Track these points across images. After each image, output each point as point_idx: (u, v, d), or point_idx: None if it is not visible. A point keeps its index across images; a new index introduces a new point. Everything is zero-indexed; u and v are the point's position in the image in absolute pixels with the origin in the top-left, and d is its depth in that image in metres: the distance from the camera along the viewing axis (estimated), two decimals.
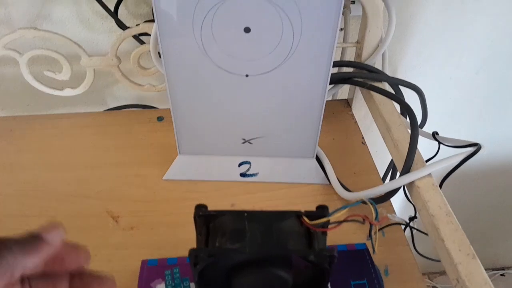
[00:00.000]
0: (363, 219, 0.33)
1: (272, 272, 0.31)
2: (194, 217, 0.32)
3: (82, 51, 0.51)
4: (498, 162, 0.93)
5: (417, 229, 0.44)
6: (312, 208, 0.32)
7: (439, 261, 0.39)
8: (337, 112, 0.61)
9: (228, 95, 0.45)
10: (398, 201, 0.59)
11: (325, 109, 0.46)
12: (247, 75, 0.43)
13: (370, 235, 0.36)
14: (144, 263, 0.40)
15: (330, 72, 0.43)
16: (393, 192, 0.43)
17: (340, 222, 0.31)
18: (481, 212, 1.05)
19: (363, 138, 0.57)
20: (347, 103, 0.62)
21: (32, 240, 0.27)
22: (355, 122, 0.59)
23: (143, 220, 0.46)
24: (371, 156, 0.54)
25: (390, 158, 0.53)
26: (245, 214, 0.31)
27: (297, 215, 0.32)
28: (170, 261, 0.40)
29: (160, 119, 0.59)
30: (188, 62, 0.42)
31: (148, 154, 0.54)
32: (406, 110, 0.47)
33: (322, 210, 0.31)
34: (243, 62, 0.42)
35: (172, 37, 0.40)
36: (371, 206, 0.32)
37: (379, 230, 0.36)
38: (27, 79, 0.54)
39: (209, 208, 0.32)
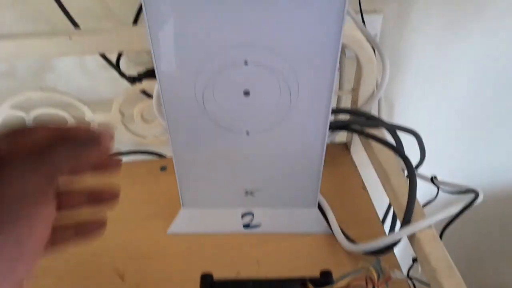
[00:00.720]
0: (366, 283, 0.33)
1: None
2: (200, 284, 0.33)
3: (86, 108, 0.53)
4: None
5: (419, 281, 0.45)
6: (317, 265, 0.33)
7: None
8: (336, 156, 0.62)
9: (230, 151, 0.46)
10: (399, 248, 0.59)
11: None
12: (247, 133, 0.44)
13: None
14: None
15: (328, 125, 0.44)
16: (394, 244, 0.44)
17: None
18: (478, 257, 1.05)
19: (363, 183, 0.58)
20: (346, 146, 0.64)
21: (91, 143, 0.26)
22: (355, 165, 0.60)
23: (149, 277, 0.46)
24: (371, 202, 0.55)
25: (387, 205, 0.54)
26: (251, 283, 0.32)
27: (302, 282, 0.32)
28: None
29: (163, 169, 0.60)
30: (190, 119, 0.44)
31: (152, 207, 0.55)
32: (404, 162, 0.48)
33: (326, 276, 0.32)
34: (244, 121, 0.43)
35: (174, 96, 0.42)
36: (373, 271, 0.33)
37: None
38: None
39: (215, 272, 0.33)
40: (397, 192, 0.47)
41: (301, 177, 0.49)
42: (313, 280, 0.32)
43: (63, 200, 0.27)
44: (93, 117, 0.54)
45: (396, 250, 0.45)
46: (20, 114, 0.53)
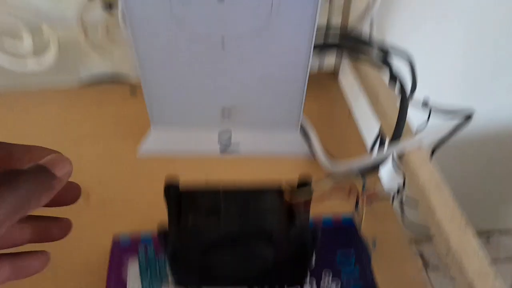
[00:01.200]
0: (349, 192, 0.30)
1: (250, 249, 0.28)
2: (165, 194, 0.29)
3: (46, 27, 0.47)
4: (489, 131, 0.92)
5: (404, 203, 0.42)
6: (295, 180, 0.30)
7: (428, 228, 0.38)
8: (324, 84, 0.58)
9: (203, 64, 0.41)
10: (385, 171, 0.56)
11: (310, 81, 0.44)
12: (223, 44, 0.39)
13: (356, 208, 0.34)
14: (116, 238, 0.37)
15: (314, 37, 0.40)
16: (381, 163, 0.41)
17: (323, 197, 0.29)
18: (468, 178, 1.05)
19: (350, 111, 0.54)
20: (333, 75, 0.59)
21: (44, 176, 0.21)
22: (342, 93, 0.57)
23: (116, 197, 0.43)
24: (358, 129, 0.51)
25: (376, 132, 0.51)
26: (220, 192, 0.29)
27: (278, 191, 0.29)
28: (144, 236, 0.37)
29: (133, 93, 0.55)
30: (160, 30, 0.39)
31: (120, 129, 0.50)
32: (396, 76, 0.44)
33: (304, 183, 0.29)
34: (219, 29, 0.39)
35: (142, 3, 0.37)
36: (357, 183, 0.29)
37: (365, 200, 0.34)
38: None
39: (183, 182, 0.30)
40: (387, 113, 0.44)
41: (283, 94, 0.45)
42: (290, 188, 0.29)
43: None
44: (52, 31, 0.48)
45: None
46: None
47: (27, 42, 0.48)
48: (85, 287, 0.35)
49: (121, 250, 0.36)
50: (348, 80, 0.59)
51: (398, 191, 0.41)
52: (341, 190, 0.31)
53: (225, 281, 0.33)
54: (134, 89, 0.55)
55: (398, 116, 0.41)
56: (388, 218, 0.42)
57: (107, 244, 0.37)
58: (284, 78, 0.43)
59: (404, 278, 0.37)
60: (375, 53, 0.51)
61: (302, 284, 0.34)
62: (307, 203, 0.28)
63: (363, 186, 0.31)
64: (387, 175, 0.50)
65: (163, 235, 0.26)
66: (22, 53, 0.50)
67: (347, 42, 0.51)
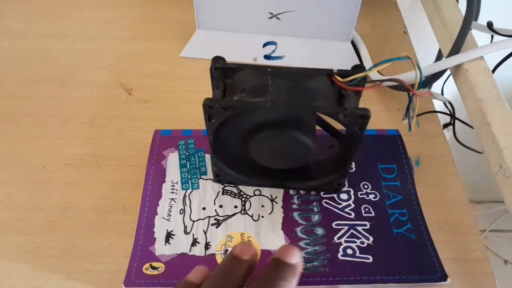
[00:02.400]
0: (403, 85, 0.28)
1: (294, 135, 0.27)
2: (211, 70, 0.28)
3: None
4: None
5: (459, 119, 0.40)
6: None
7: (479, 152, 0.36)
8: (379, 1, 0.54)
9: None
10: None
11: None
12: None
13: (407, 111, 0.32)
14: (157, 132, 0.37)
15: None
16: (438, 75, 0.38)
17: (377, 82, 0.27)
18: None
19: (405, 27, 0.50)
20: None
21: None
22: (398, 10, 0.53)
23: (158, 95, 0.43)
24: (412, 47, 0.48)
25: (433, 56, 0.47)
26: (269, 69, 0.27)
27: (328, 73, 0.27)
28: (185, 132, 0.37)
29: None
30: None
31: (165, 29, 0.49)
32: None
33: (358, 70, 0.27)
34: None
35: None
36: (415, 68, 0.27)
37: (416, 115, 0.31)
38: None
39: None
40: (448, 24, 0.40)
41: (336, 2, 0.42)
42: (342, 72, 0.27)
43: None
44: None
45: None
46: None
47: None
48: (126, 175, 0.36)
49: (162, 141, 0.37)
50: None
51: (452, 110, 0.39)
52: (395, 80, 0.28)
53: (262, 174, 0.33)
54: None
55: (462, 25, 0.37)
56: (436, 137, 0.40)
57: (149, 137, 0.37)
58: None
59: (446, 201, 0.36)
60: None
61: (339, 190, 0.33)
62: (359, 91, 0.26)
63: (421, 82, 0.28)
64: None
65: (208, 104, 0.25)
66: None
67: None
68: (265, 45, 0.46)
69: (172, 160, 0.35)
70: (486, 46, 0.37)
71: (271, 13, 0.43)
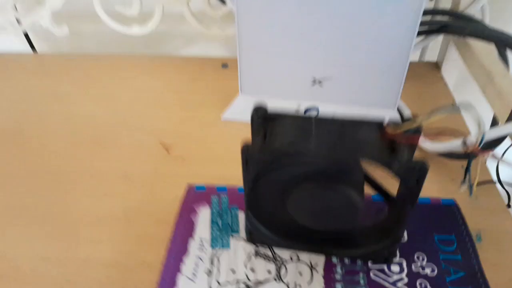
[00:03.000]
0: (464, 141, 0.25)
1: (339, 190, 0.24)
2: (252, 117, 0.27)
3: None
4: None
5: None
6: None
7: None
8: (425, 74, 0.53)
9: (302, 18, 0.39)
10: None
11: (411, 70, 0.40)
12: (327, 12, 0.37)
13: (466, 173, 0.28)
14: (191, 187, 0.35)
15: (424, 4, 0.36)
16: (499, 141, 0.35)
17: (435, 133, 0.25)
18: None
19: (454, 101, 0.49)
20: (436, 65, 0.54)
21: None
22: (445, 84, 0.51)
23: (196, 153, 0.42)
24: (462, 117, 0.45)
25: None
26: (313, 120, 0.26)
27: (378, 124, 0.25)
28: (219, 189, 0.35)
29: (224, 66, 0.55)
30: None
31: (208, 99, 0.50)
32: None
33: (411, 122, 0.25)
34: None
35: None
36: (477, 122, 0.25)
37: (475, 184, 0.28)
38: (99, 14, 0.53)
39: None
40: (503, 91, 0.38)
41: (382, 67, 0.41)
42: (393, 123, 0.25)
43: None
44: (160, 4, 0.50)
45: None
46: None
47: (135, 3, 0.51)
48: (153, 230, 0.34)
49: (195, 196, 0.34)
50: (452, 70, 0.53)
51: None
52: (453, 132, 0.26)
53: (301, 237, 0.29)
54: (226, 63, 0.55)
55: None
56: (497, 210, 0.35)
57: (182, 194, 0.35)
58: (385, 45, 0.40)
59: None
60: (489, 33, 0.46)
61: (390, 261, 0.29)
62: (414, 139, 0.24)
63: (482, 140, 0.25)
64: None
65: (246, 149, 0.23)
66: (129, 14, 0.52)
67: (456, 22, 0.46)
68: (306, 111, 0.45)
69: (203, 216, 0.33)
70: None
71: (313, 79, 0.43)
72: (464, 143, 0.25)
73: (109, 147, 0.43)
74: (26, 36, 0.62)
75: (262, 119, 0.27)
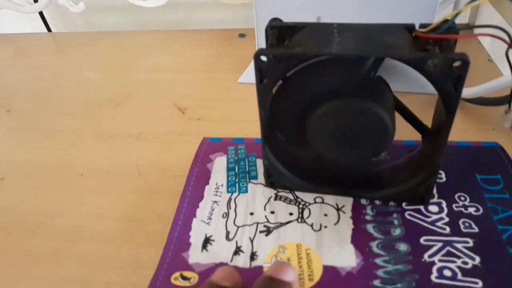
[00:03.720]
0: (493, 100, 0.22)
1: (368, 107, 0.22)
2: (266, 30, 0.24)
3: None
4: None
5: None
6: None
7: None
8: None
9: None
10: None
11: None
12: None
13: (510, 101, 0.25)
14: (206, 139, 0.33)
15: None
16: None
17: (472, 27, 0.22)
18: None
19: (489, 56, 0.45)
20: (468, 26, 0.51)
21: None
22: (478, 42, 0.48)
23: (212, 114, 0.40)
24: (499, 71, 0.42)
25: None
26: (335, 25, 0.23)
27: (408, 27, 0.22)
28: (235, 140, 0.33)
29: (242, 35, 0.53)
30: None
31: (225, 63, 0.48)
32: None
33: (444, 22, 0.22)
34: None
35: None
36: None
37: None
38: None
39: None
40: None
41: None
42: (424, 25, 0.22)
43: None
44: None
45: None
46: None
47: None
48: (167, 185, 0.32)
49: (210, 146, 0.32)
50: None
51: None
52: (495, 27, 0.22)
53: (325, 179, 0.26)
54: (243, 34, 0.53)
55: None
56: None
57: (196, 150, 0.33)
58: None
59: None
60: None
61: (426, 201, 0.26)
62: (449, 36, 0.21)
63: None
64: None
65: (259, 58, 0.21)
66: None
67: None
68: None
69: (219, 164, 0.30)
70: None
71: None
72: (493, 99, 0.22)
73: (123, 109, 0.42)
74: (41, 15, 0.62)
75: (278, 31, 0.24)
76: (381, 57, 0.22)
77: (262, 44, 0.41)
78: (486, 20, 0.48)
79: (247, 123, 0.37)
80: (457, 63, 0.19)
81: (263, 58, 0.21)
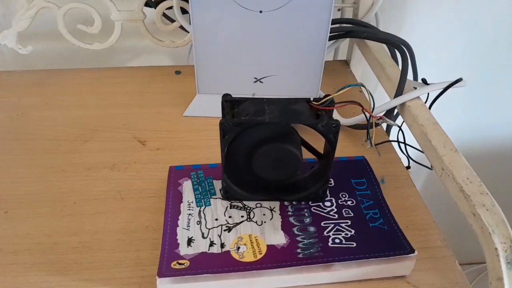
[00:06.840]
0: (362, 108, 0.39)
1: (287, 147, 0.37)
2: (222, 102, 0.38)
3: (113, 5, 0.58)
4: (485, 148, 0.98)
5: (409, 145, 0.50)
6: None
7: (430, 168, 0.46)
8: (338, 70, 0.68)
9: (244, 31, 0.51)
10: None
11: (326, 68, 0.54)
12: (260, 11, 0.50)
13: (368, 132, 0.42)
14: (172, 167, 0.46)
15: (331, 16, 0.50)
16: (388, 112, 0.49)
17: (343, 103, 0.38)
18: None
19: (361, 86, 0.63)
20: (346, 63, 0.69)
21: None
22: (353, 76, 0.66)
23: (168, 144, 0.52)
24: (367, 98, 0.60)
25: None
26: (264, 100, 0.38)
27: (307, 100, 0.38)
28: (194, 166, 0.46)
29: (177, 72, 0.65)
30: (214, 9, 0.50)
31: (168, 98, 0.60)
32: (397, 48, 0.54)
33: (326, 95, 0.38)
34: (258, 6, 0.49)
35: None
36: (368, 96, 0.38)
37: (375, 144, 0.41)
38: (62, 32, 0.61)
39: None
40: (391, 77, 0.53)
41: (305, 65, 0.54)
42: (316, 99, 0.37)
43: None
44: (118, 15, 0.59)
45: None
46: (53, 7, 0.59)
47: (97, 22, 0.59)
48: (146, 204, 0.43)
49: (177, 173, 0.45)
50: (357, 65, 0.68)
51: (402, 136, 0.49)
52: (355, 103, 0.39)
53: (262, 191, 0.41)
54: (179, 70, 0.65)
55: (401, 75, 0.50)
56: (394, 162, 0.50)
57: (163, 176, 0.45)
58: (306, 49, 0.53)
59: (408, 207, 0.45)
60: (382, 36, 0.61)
61: (323, 199, 0.42)
62: (330, 110, 0.37)
63: (373, 106, 0.39)
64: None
65: (223, 123, 0.34)
66: (91, 33, 0.61)
67: (358, 28, 0.61)
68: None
69: (187, 186, 0.43)
70: (420, 89, 0.49)
71: (255, 78, 0.55)
72: (363, 112, 0.38)
73: (93, 144, 0.52)
74: None
75: (229, 103, 0.38)
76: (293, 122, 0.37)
77: (201, 80, 0.54)
78: (359, 58, 0.67)
79: (198, 149, 0.51)
80: (334, 125, 0.35)
81: (226, 124, 0.35)
